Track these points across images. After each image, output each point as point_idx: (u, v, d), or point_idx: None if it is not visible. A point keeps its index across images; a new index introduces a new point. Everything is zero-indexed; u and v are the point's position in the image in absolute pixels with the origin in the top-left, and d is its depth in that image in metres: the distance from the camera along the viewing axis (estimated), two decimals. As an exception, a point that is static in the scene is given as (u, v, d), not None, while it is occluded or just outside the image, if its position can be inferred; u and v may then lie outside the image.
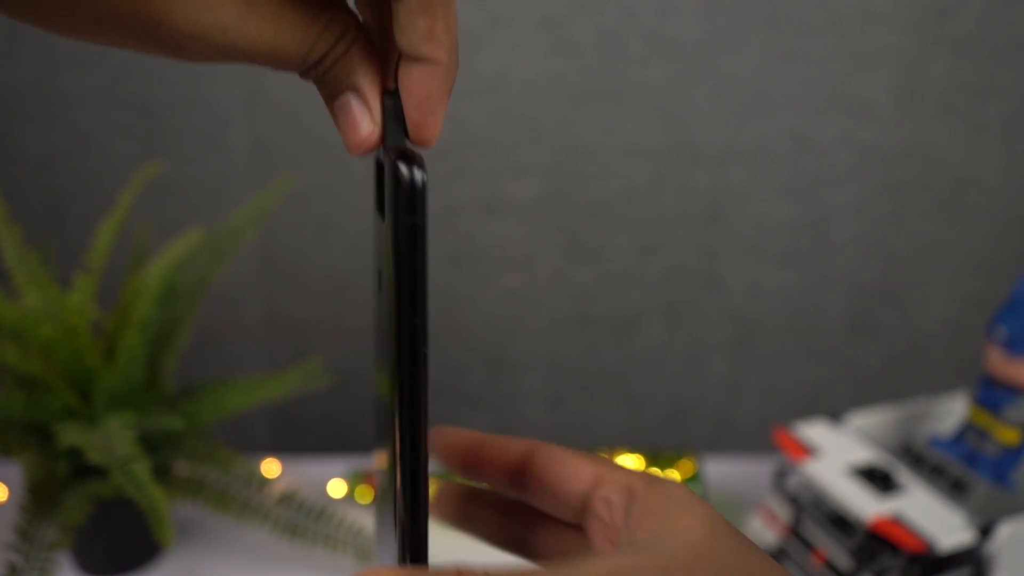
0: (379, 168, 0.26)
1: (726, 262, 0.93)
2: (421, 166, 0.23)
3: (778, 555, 0.63)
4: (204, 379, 0.97)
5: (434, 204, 0.90)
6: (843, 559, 0.57)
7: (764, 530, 0.63)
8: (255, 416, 0.99)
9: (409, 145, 0.25)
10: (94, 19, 0.21)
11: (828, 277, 0.94)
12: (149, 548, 0.67)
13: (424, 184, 0.23)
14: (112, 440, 0.56)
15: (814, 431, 0.63)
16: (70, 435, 0.55)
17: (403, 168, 0.22)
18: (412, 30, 0.23)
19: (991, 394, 0.60)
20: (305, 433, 1.00)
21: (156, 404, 0.66)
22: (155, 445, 0.66)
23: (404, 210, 0.23)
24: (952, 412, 0.70)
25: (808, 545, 0.60)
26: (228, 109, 0.86)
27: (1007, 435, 0.59)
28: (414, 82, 0.24)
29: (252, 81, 0.85)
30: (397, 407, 0.24)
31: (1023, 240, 0.93)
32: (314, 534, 0.65)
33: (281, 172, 0.89)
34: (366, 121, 0.24)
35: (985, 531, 0.54)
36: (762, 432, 1.01)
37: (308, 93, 0.85)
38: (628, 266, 0.93)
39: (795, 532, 0.61)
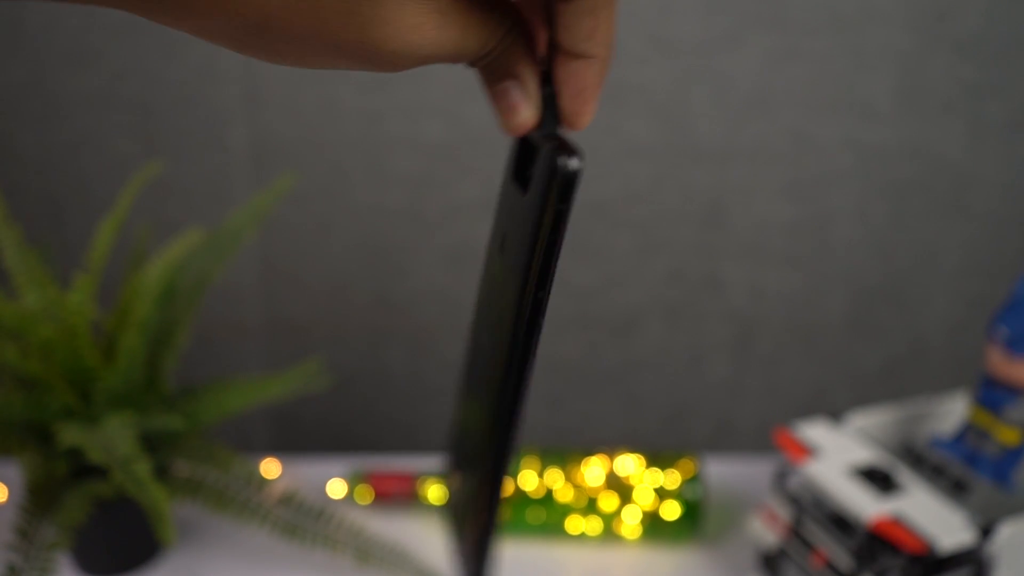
0: (524, 144, 0.28)
1: (726, 262, 0.93)
2: (580, 158, 0.25)
3: (778, 555, 0.63)
4: (204, 379, 0.97)
5: (434, 204, 0.90)
6: (843, 559, 0.57)
7: (764, 530, 0.63)
8: (255, 416, 0.99)
9: (561, 133, 0.27)
10: (322, 52, 0.24)
11: (828, 277, 0.94)
12: (149, 548, 0.67)
13: (579, 175, 0.25)
14: (113, 439, 0.56)
15: (814, 431, 0.63)
16: (70, 435, 0.55)
17: (563, 160, 0.24)
18: (578, 29, 0.26)
19: (991, 394, 0.60)
20: (305, 433, 1.00)
21: (156, 404, 0.66)
22: (155, 445, 0.66)
23: (557, 196, 0.25)
24: (953, 412, 0.69)
25: (808, 545, 0.60)
26: (228, 109, 0.86)
27: (1008, 435, 0.59)
28: (573, 75, 0.27)
29: (252, 81, 0.85)
30: (504, 368, 0.26)
31: (1023, 240, 0.93)
32: (313, 534, 0.65)
33: (281, 172, 0.89)
34: (526, 107, 0.27)
35: (986, 531, 0.54)
36: (762, 432, 1.00)
37: (308, 93, 0.85)
38: (628, 266, 0.93)
39: (795, 532, 0.61)
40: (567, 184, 0.25)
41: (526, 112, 0.27)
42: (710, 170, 0.89)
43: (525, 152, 0.28)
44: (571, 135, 0.87)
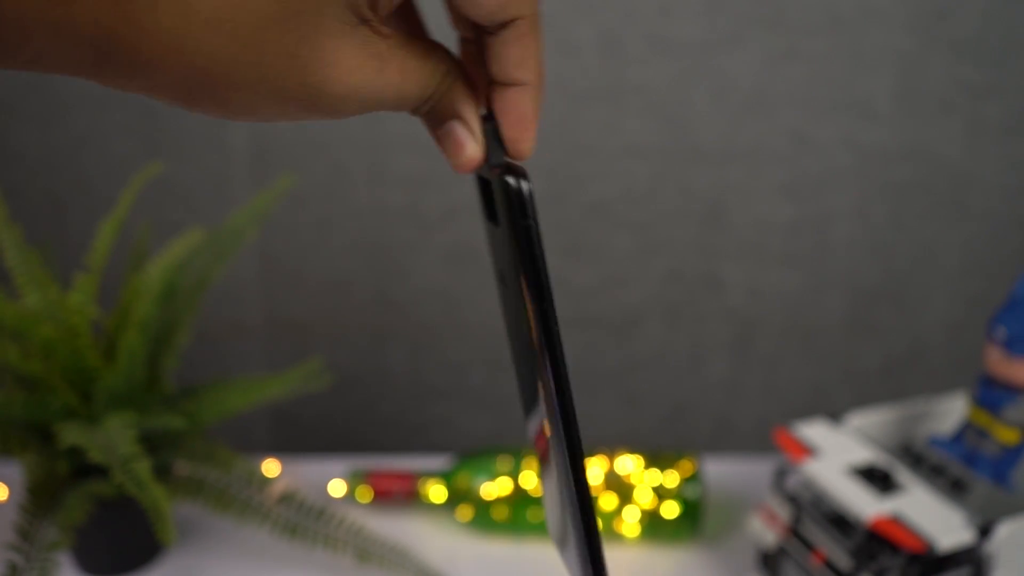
0: (482, 182, 0.30)
1: (726, 262, 0.93)
2: (526, 177, 0.27)
3: (778, 555, 0.63)
4: (204, 379, 0.97)
5: (434, 204, 0.90)
6: (843, 559, 0.57)
7: (764, 530, 0.63)
8: (255, 416, 0.99)
9: (508, 160, 0.28)
10: (268, 99, 0.25)
11: (828, 277, 0.94)
12: (149, 548, 0.67)
13: (531, 192, 0.27)
14: (113, 439, 0.56)
15: (814, 431, 0.63)
16: (71, 434, 0.55)
17: (511, 181, 0.26)
18: (506, 59, 0.27)
19: (990, 394, 0.60)
20: (305, 433, 1.00)
21: (156, 404, 0.66)
22: (155, 445, 0.66)
23: (518, 215, 0.26)
24: (952, 412, 0.70)
25: (808, 545, 0.60)
26: (228, 109, 0.86)
27: (1006, 435, 0.59)
28: (510, 104, 0.28)
29: (252, 81, 0.85)
30: (544, 381, 0.28)
31: (1023, 240, 0.93)
32: (314, 534, 0.65)
33: (281, 172, 0.89)
34: (471, 143, 0.28)
35: (984, 531, 0.54)
36: (762, 432, 1.01)
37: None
38: (628, 266, 0.93)
39: (795, 532, 0.61)
40: (521, 203, 0.26)
41: (471, 148, 0.28)
42: (710, 170, 0.89)
43: (486, 190, 0.30)
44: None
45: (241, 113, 0.25)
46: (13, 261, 0.63)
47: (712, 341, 0.96)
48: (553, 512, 0.33)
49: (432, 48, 0.27)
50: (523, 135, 0.29)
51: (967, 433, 0.62)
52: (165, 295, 0.68)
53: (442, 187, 0.89)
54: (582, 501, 0.29)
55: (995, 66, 0.86)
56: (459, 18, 0.29)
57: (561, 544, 0.33)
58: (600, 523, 0.70)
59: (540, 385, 0.29)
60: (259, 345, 0.96)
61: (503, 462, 0.70)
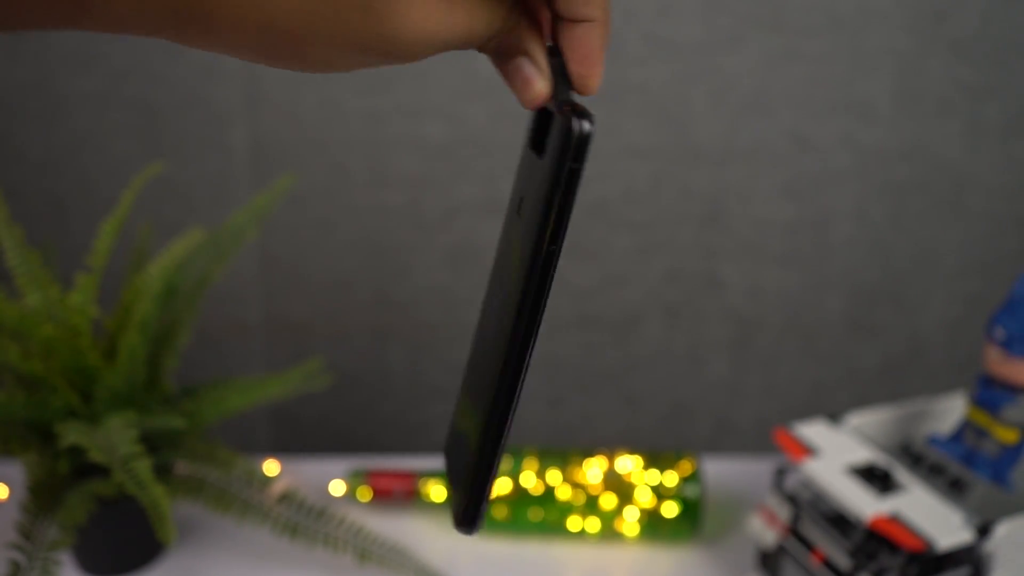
0: (540, 114, 0.30)
1: (726, 262, 0.93)
2: (592, 121, 0.27)
3: (777, 554, 0.63)
4: (204, 379, 0.98)
5: (434, 204, 0.90)
6: (842, 558, 0.57)
7: (763, 529, 0.63)
8: (255, 416, 1.00)
9: (575, 97, 0.28)
10: (345, 51, 0.25)
11: (828, 277, 0.94)
12: (150, 548, 0.68)
13: (591, 136, 0.27)
14: (114, 439, 0.56)
15: (813, 431, 0.63)
16: (72, 434, 0.55)
17: (576, 123, 0.26)
18: None
19: (989, 394, 0.60)
20: (305, 433, 1.00)
21: (157, 404, 0.67)
22: (156, 445, 0.66)
23: (572, 157, 0.27)
24: (951, 412, 0.70)
25: (807, 544, 0.60)
26: (228, 109, 0.86)
27: (1005, 435, 0.59)
28: (577, 40, 0.28)
29: (252, 81, 0.85)
30: (514, 317, 0.28)
31: (1022, 240, 0.93)
32: (314, 533, 0.65)
33: (281, 172, 0.89)
34: (539, 79, 0.29)
35: (983, 530, 0.54)
36: (762, 432, 1.01)
37: (307, 93, 0.85)
38: (628, 266, 0.93)
39: (794, 531, 0.61)
40: (581, 144, 0.27)
41: (539, 84, 0.29)
42: (709, 170, 0.89)
43: (542, 121, 0.30)
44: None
45: (319, 65, 0.26)
46: (14, 261, 0.63)
47: (712, 341, 0.96)
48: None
49: None
50: (591, 71, 0.29)
51: (966, 433, 0.62)
52: (166, 295, 0.68)
53: (442, 187, 0.89)
54: (500, 416, 0.29)
55: (994, 67, 0.86)
56: None
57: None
58: (599, 523, 0.70)
59: (506, 321, 0.29)
60: (259, 345, 0.96)
61: (503, 462, 0.70)
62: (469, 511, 0.30)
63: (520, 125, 0.87)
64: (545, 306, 0.28)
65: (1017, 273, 0.95)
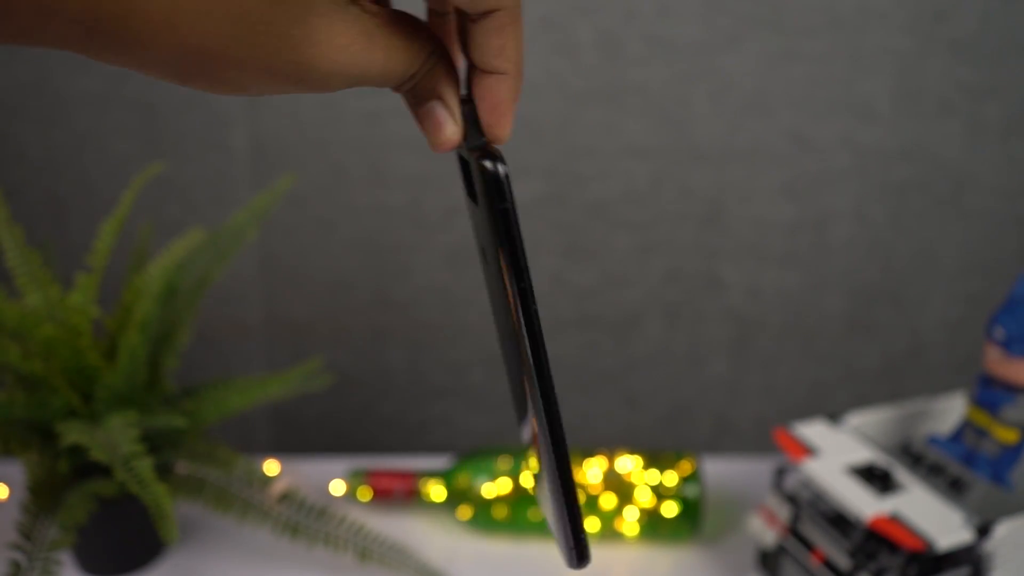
0: (462, 161, 0.30)
1: (726, 262, 0.93)
2: (502, 161, 0.27)
3: (777, 554, 0.63)
4: (205, 379, 0.98)
5: (434, 204, 0.90)
6: (842, 558, 0.57)
7: (763, 529, 0.63)
8: (256, 416, 1.00)
9: (486, 142, 0.29)
10: (259, 76, 0.25)
11: (827, 277, 0.94)
12: (151, 548, 0.68)
13: (507, 175, 0.27)
14: (115, 438, 0.56)
15: (813, 431, 0.63)
16: (73, 433, 0.55)
17: (488, 164, 0.27)
18: (487, 47, 0.28)
19: (989, 394, 0.60)
20: (305, 433, 1.00)
21: (157, 404, 0.67)
22: (156, 445, 0.66)
23: (495, 198, 0.27)
24: (950, 412, 0.70)
25: (807, 544, 0.60)
26: (228, 110, 0.86)
27: (1005, 434, 0.60)
28: (487, 90, 0.29)
29: (253, 81, 0.85)
30: (526, 359, 0.29)
31: (1022, 240, 0.93)
32: (315, 533, 0.65)
33: (281, 172, 0.89)
34: (450, 124, 0.29)
35: (983, 530, 0.54)
36: (761, 432, 1.01)
37: (307, 95, 0.85)
38: (628, 266, 0.93)
39: (794, 531, 0.61)
40: (497, 184, 0.27)
41: (449, 128, 0.29)
42: (709, 170, 0.89)
43: (466, 169, 0.30)
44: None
45: (230, 88, 0.26)
46: (14, 261, 0.63)
47: (711, 341, 0.96)
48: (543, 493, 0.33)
49: (417, 27, 0.28)
50: (500, 121, 0.29)
51: (966, 433, 0.62)
52: (166, 295, 0.68)
53: (442, 187, 0.89)
54: (560, 464, 0.29)
55: (993, 67, 0.86)
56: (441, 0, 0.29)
57: (539, 490, 0.33)
58: (599, 523, 0.70)
59: (522, 369, 0.30)
60: (259, 345, 0.96)
61: (503, 462, 0.70)
62: (576, 547, 0.30)
63: (521, 125, 0.87)
64: (540, 336, 0.29)
65: (1017, 273, 0.95)
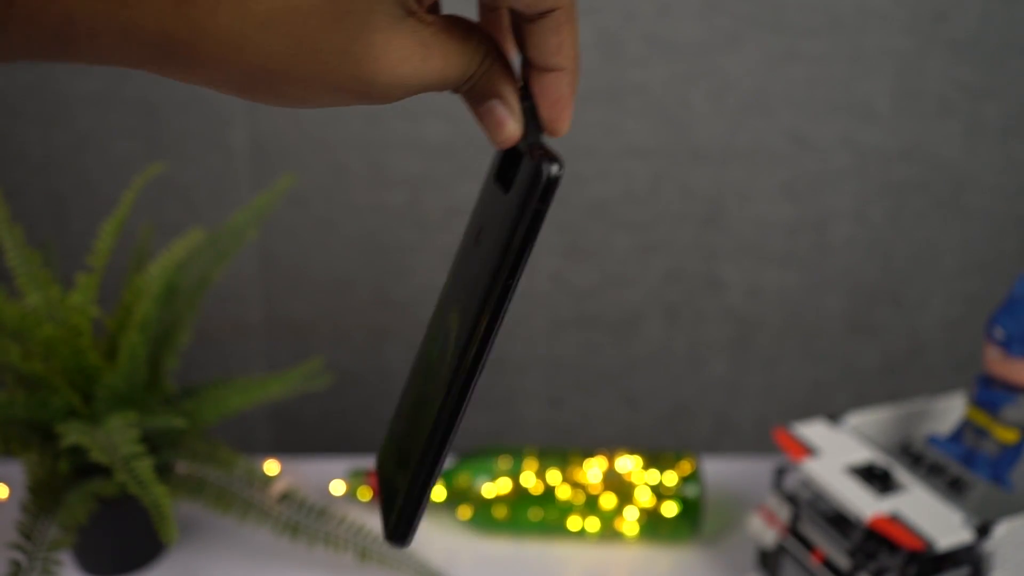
0: (508, 150, 0.31)
1: (726, 262, 0.93)
2: (562, 165, 0.28)
3: (777, 554, 0.63)
4: (205, 379, 0.98)
5: (434, 204, 0.90)
6: (842, 558, 0.57)
7: (763, 529, 0.63)
8: (256, 416, 1.00)
9: (544, 139, 0.28)
10: (322, 91, 0.26)
11: (827, 277, 0.94)
12: (151, 548, 0.68)
13: (560, 179, 0.28)
14: (115, 438, 0.56)
15: (813, 431, 0.63)
16: (73, 434, 0.55)
17: (547, 166, 0.27)
18: (545, 46, 0.29)
19: (989, 394, 0.60)
20: (305, 433, 1.00)
21: (157, 404, 0.67)
22: (156, 445, 0.66)
23: (539, 199, 0.27)
24: (950, 411, 0.70)
25: (807, 544, 0.60)
26: (228, 109, 0.86)
27: (1005, 434, 0.60)
28: (547, 87, 0.29)
29: (253, 81, 0.85)
30: (465, 342, 0.29)
31: (1021, 240, 0.93)
32: (315, 533, 0.65)
33: (281, 172, 0.89)
34: (511, 122, 0.29)
35: (983, 530, 0.54)
36: (761, 432, 1.01)
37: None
38: (628, 266, 0.93)
39: (794, 531, 0.61)
40: (549, 187, 0.27)
41: (511, 126, 0.29)
42: (709, 170, 0.89)
43: (510, 158, 0.31)
44: (555, 141, 0.87)
45: (294, 102, 0.27)
46: (14, 261, 0.63)
47: (711, 341, 0.96)
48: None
49: (471, 30, 0.28)
50: (560, 115, 0.30)
51: (966, 433, 0.62)
52: (166, 295, 0.68)
53: (442, 187, 0.89)
54: (447, 430, 0.29)
55: (993, 67, 0.86)
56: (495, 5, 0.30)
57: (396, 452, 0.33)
58: (599, 523, 0.70)
59: (454, 354, 0.30)
60: (259, 345, 0.96)
61: (503, 462, 0.71)
62: (401, 526, 0.30)
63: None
64: (496, 334, 0.29)
65: (1017, 273, 0.95)
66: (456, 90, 0.29)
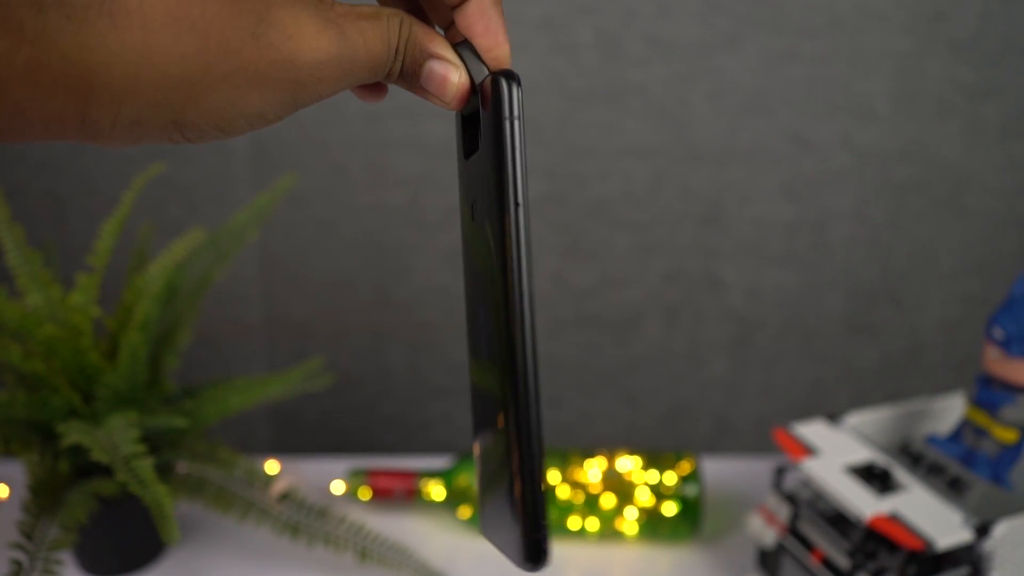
0: (462, 120, 0.30)
1: (725, 262, 0.93)
2: (516, 77, 0.27)
3: (777, 553, 0.63)
4: (205, 379, 0.98)
5: (434, 204, 0.90)
6: (841, 558, 0.57)
7: (763, 529, 0.63)
8: (256, 416, 1.00)
9: (491, 71, 0.29)
10: (249, 87, 0.26)
11: (827, 277, 0.94)
12: (151, 547, 0.68)
13: (519, 83, 0.27)
14: (116, 438, 0.57)
15: (812, 430, 0.63)
16: (74, 433, 0.55)
17: (502, 78, 0.27)
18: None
19: (988, 394, 0.60)
20: (305, 433, 1.01)
21: (158, 404, 0.67)
22: (157, 444, 0.66)
23: (510, 111, 0.27)
24: (950, 411, 0.70)
25: (807, 544, 0.60)
26: (229, 109, 0.86)
27: (1005, 434, 0.60)
28: (473, 16, 0.28)
29: (253, 82, 0.85)
30: (504, 298, 0.28)
31: (1021, 240, 0.93)
32: (315, 533, 0.65)
33: (281, 172, 0.89)
34: (453, 72, 0.28)
35: (982, 530, 0.54)
36: (761, 432, 1.01)
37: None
38: (628, 266, 0.93)
39: (794, 531, 0.61)
40: (513, 93, 0.27)
41: (455, 76, 0.28)
42: (709, 170, 0.89)
43: (468, 126, 0.30)
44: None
45: (230, 115, 0.26)
46: (15, 261, 0.63)
47: (711, 341, 0.96)
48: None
49: (378, 8, 0.28)
50: (497, 39, 0.29)
51: (965, 432, 0.62)
52: (166, 295, 0.68)
53: (442, 187, 0.89)
54: (530, 429, 0.27)
55: (993, 67, 0.86)
56: None
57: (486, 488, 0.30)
58: (599, 522, 0.70)
59: (494, 321, 0.28)
60: (259, 345, 0.96)
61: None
62: (534, 543, 0.27)
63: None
64: (529, 270, 0.28)
65: (1016, 273, 0.95)
66: (388, 77, 0.28)
